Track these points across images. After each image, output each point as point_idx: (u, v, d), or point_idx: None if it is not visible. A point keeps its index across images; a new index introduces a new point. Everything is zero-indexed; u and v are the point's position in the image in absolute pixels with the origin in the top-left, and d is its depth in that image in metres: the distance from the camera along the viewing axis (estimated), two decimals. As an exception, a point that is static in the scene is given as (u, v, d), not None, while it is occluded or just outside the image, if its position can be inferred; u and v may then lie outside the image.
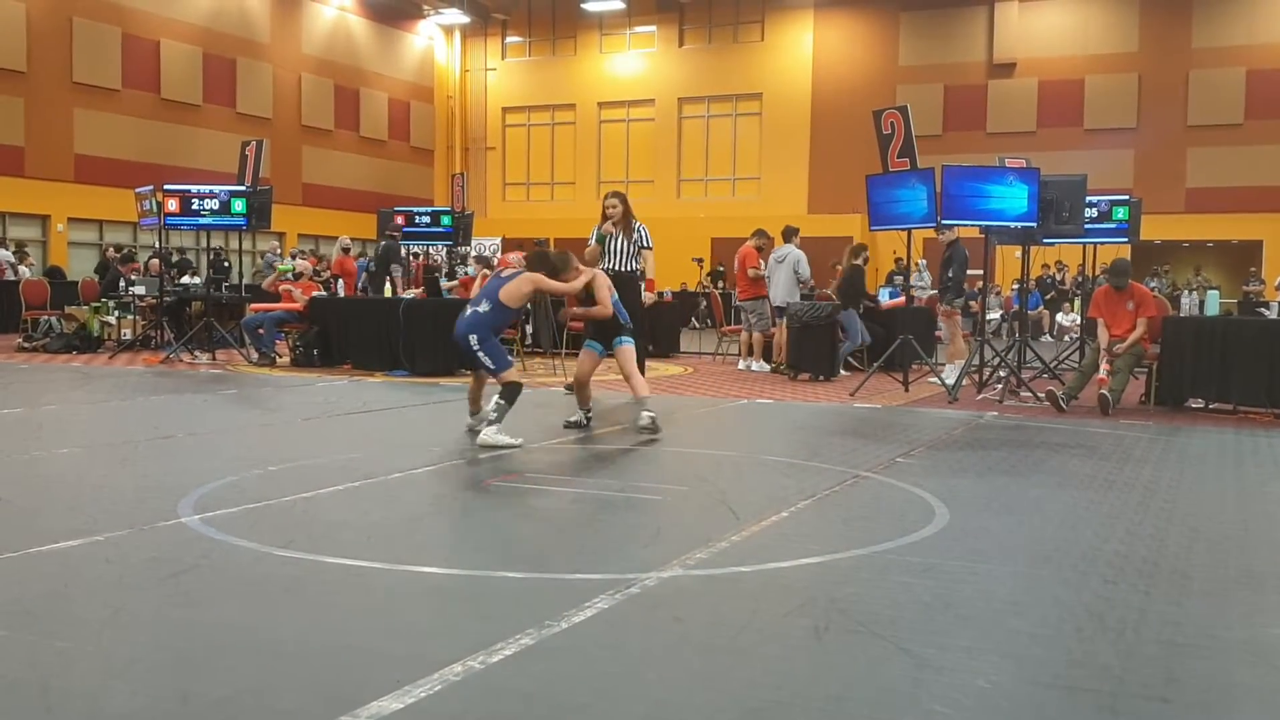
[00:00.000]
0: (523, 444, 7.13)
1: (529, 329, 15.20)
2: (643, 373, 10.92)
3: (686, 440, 8.21)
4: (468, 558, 4.53)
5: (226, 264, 22.17)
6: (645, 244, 9.97)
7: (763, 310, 14.07)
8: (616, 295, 8.10)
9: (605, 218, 9.76)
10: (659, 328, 16.93)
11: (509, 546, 4.75)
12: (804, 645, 3.36)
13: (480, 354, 7.33)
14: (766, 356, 14.05)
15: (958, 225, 11.37)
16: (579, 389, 8.25)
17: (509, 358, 7.54)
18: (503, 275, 7.76)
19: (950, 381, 11.06)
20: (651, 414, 7.82)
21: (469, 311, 7.52)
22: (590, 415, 8.26)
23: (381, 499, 5.62)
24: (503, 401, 7.24)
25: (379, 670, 3.07)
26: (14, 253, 22.74)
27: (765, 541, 4.68)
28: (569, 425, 8.14)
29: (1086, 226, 11.97)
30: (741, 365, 14.37)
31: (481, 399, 7.88)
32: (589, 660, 3.21)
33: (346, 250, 18.14)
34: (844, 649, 3.34)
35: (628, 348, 8.11)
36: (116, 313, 15.98)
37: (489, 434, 7.12)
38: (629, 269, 9.79)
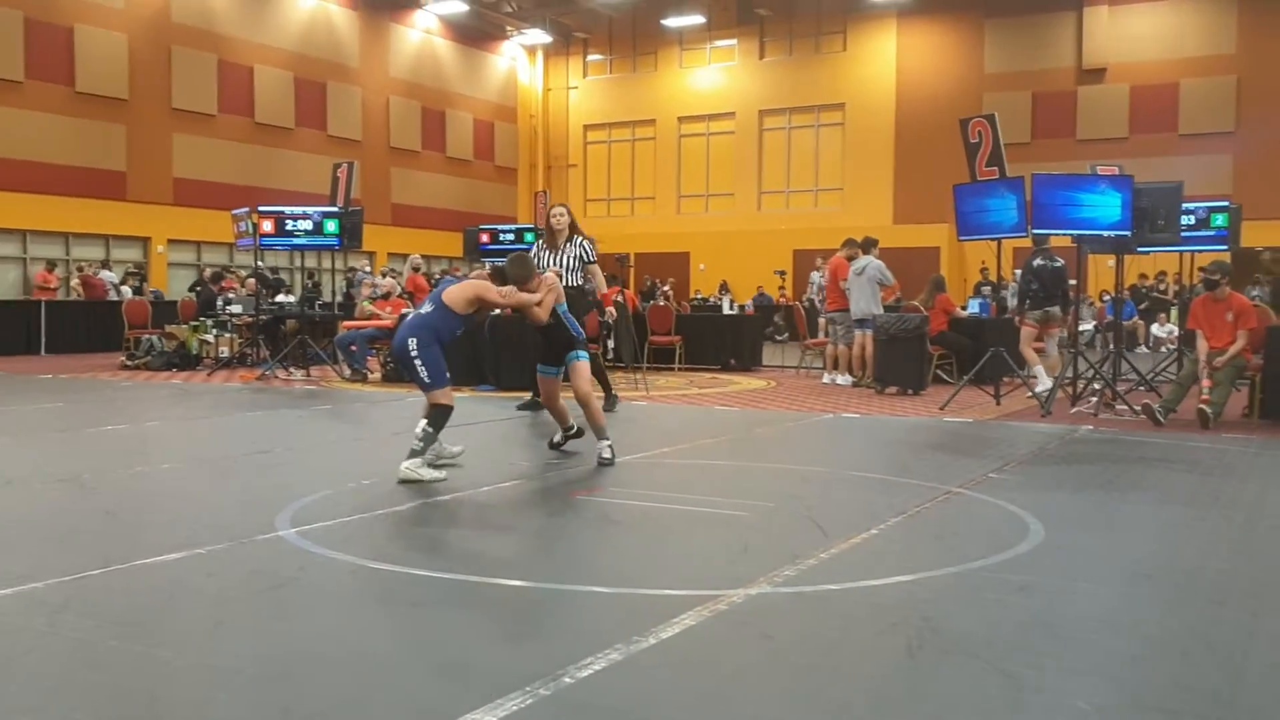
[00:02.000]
0: (446, 478, 6.37)
1: (610, 343, 15.27)
2: (606, 389, 10.70)
3: (772, 455, 8.17)
4: (555, 572, 4.55)
5: (316, 282, 22.64)
6: (589, 258, 9.67)
7: (848, 322, 13.95)
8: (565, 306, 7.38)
9: (551, 230, 9.55)
10: (740, 341, 16.91)
11: (595, 561, 4.77)
12: (897, 664, 3.32)
13: (416, 361, 6.39)
14: (850, 369, 13.94)
15: (1049, 234, 11.14)
16: (552, 410, 7.59)
17: (447, 375, 6.56)
18: (456, 276, 7.36)
19: (1040, 390, 10.88)
20: (611, 448, 7.17)
21: (411, 314, 6.91)
22: (572, 431, 7.65)
23: (470, 513, 5.69)
24: (430, 429, 6.41)
25: (471, 683, 3.10)
26: (125, 274, 23.50)
27: (855, 559, 4.63)
28: (554, 446, 7.65)
29: (1184, 234, 11.67)
30: (826, 379, 14.25)
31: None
32: (678, 677, 3.21)
33: (417, 269, 18.44)
34: (939, 669, 3.29)
35: (582, 364, 7.35)
36: (214, 331, 16.42)
37: (409, 466, 6.28)
38: (572, 284, 9.45)
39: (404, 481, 6.23)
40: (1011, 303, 16.56)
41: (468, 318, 6.73)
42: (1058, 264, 12.23)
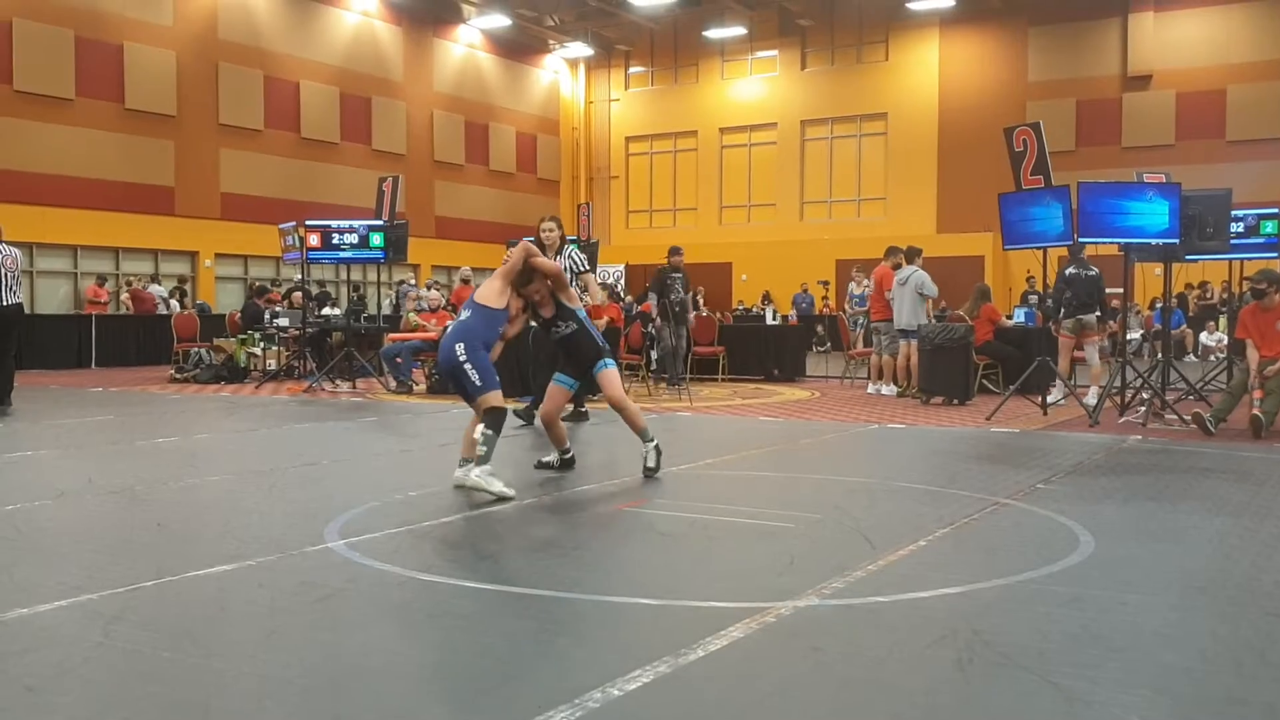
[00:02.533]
0: (515, 495, 6.21)
1: (654, 354, 15.29)
2: (577, 403, 10.34)
3: (817, 466, 8.14)
4: (602, 584, 4.56)
5: (361, 295, 22.83)
6: (581, 267, 9.56)
7: (894, 332, 13.89)
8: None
9: (542, 245, 9.30)
10: (783, 351, 16.87)
11: (642, 573, 4.77)
12: (947, 677, 3.29)
13: (466, 365, 6.27)
14: (895, 379, 13.87)
15: (1095, 243, 11.03)
16: (550, 428, 7.18)
17: (496, 378, 6.42)
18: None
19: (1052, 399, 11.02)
20: (657, 448, 7.00)
21: (450, 324, 6.80)
22: (568, 454, 7.28)
23: (516, 524, 5.71)
24: (489, 431, 6.24)
25: (519, 696, 3.11)
26: (172, 290, 23.87)
27: (903, 571, 4.60)
28: (541, 465, 7.30)
29: (1233, 242, 11.52)
30: (871, 389, 14.19)
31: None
32: (726, 689, 3.21)
33: (466, 281, 18.57)
34: (989, 681, 3.26)
35: (611, 372, 7.09)
36: (262, 344, 16.63)
37: (478, 475, 6.18)
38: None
39: (472, 489, 6.20)
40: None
41: (506, 313, 6.65)
42: (1092, 272, 12.21)
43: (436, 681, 3.30)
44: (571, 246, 9.72)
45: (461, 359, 6.29)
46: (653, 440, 7.04)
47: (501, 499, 6.11)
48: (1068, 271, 12.41)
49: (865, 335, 16.47)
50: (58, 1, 22.93)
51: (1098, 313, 12.36)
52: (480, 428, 6.27)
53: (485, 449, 6.19)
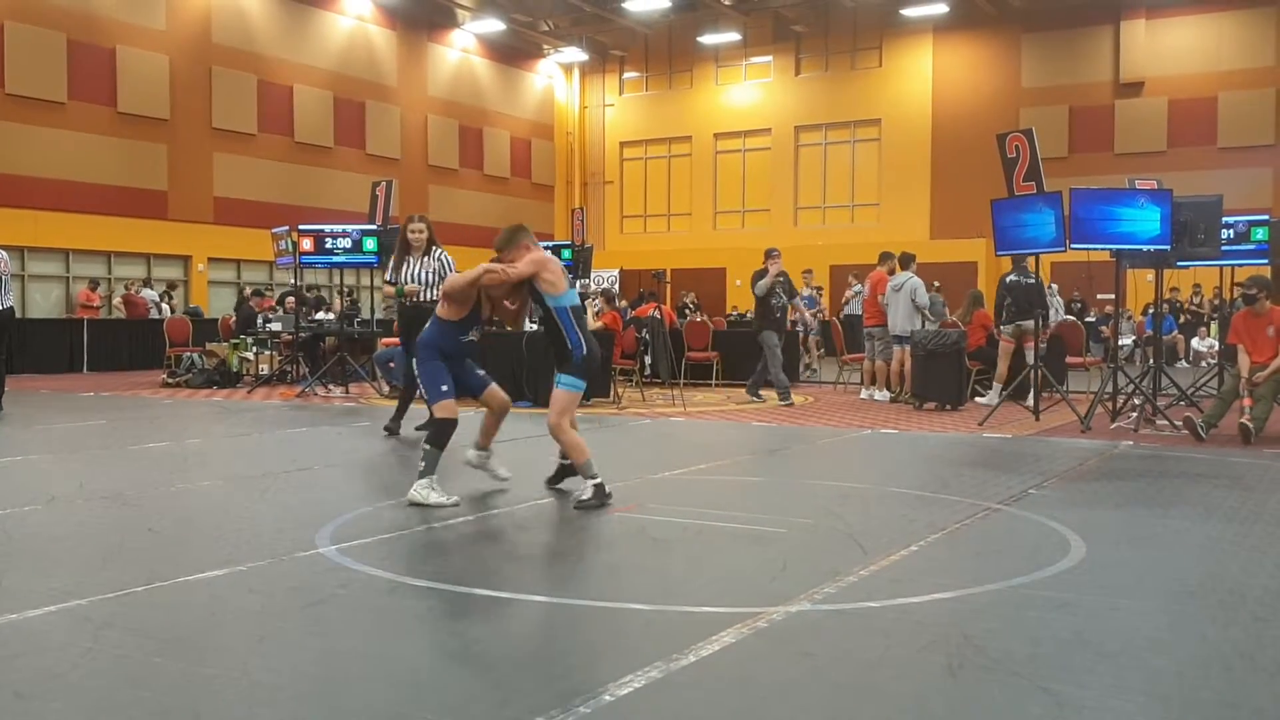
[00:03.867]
0: (458, 503, 6.12)
1: (648, 359, 15.29)
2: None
3: (810, 471, 8.14)
4: (595, 589, 4.56)
5: (355, 300, 22.81)
6: (448, 273, 9.12)
7: (888, 338, 13.92)
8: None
9: (409, 245, 9.20)
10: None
11: (634, 578, 4.77)
12: (938, 683, 3.30)
13: (419, 378, 6.36)
14: (888, 384, 13.89)
15: (1087, 249, 11.07)
16: (555, 438, 6.39)
17: (444, 388, 6.28)
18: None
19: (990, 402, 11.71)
20: (598, 487, 6.12)
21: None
22: (567, 462, 6.63)
23: (509, 530, 5.71)
24: (428, 445, 6.20)
25: (512, 700, 3.11)
26: (161, 294, 23.83)
27: (895, 576, 4.61)
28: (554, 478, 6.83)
29: (1224, 248, 11.56)
30: (864, 394, 14.20)
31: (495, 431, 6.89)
32: (717, 695, 3.21)
33: None
34: (980, 687, 3.26)
35: (560, 393, 6.21)
36: (255, 349, 16.59)
37: (416, 489, 6.09)
38: (433, 299, 8.82)
39: (413, 504, 6.09)
40: (1053, 317, 16.51)
41: (470, 320, 6.42)
42: (1031, 280, 12.54)
43: (428, 687, 3.30)
44: (439, 249, 9.37)
45: (416, 372, 6.45)
46: (595, 477, 6.13)
47: (441, 506, 6.01)
48: (1008, 279, 12.91)
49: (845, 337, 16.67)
50: (50, 4, 22.88)
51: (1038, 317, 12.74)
52: (423, 441, 6.32)
53: (423, 463, 6.17)
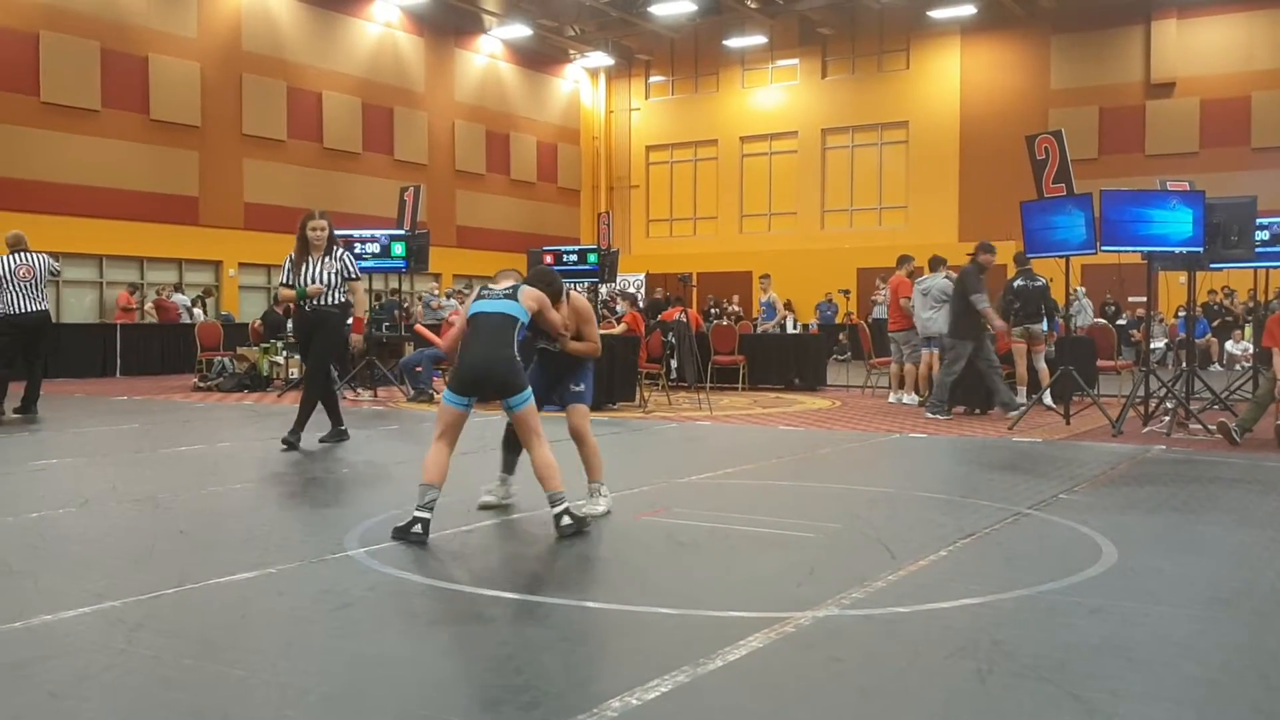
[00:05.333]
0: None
1: (673, 363, 15.27)
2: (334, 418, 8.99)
3: (837, 476, 8.11)
4: (621, 593, 4.56)
5: (383, 304, 22.92)
6: (351, 274, 8.90)
7: (916, 341, 13.85)
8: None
9: (309, 244, 8.71)
10: (804, 360, 16.82)
11: (661, 582, 4.76)
12: (967, 689, 3.28)
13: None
14: (915, 388, 13.82)
15: (1119, 251, 10.99)
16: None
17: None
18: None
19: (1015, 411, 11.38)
20: (565, 514, 5.51)
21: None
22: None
23: (536, 533, 5.71)
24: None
25: (539, 704, 3.12)
26: (195, 298, 24.03)
27: (923, 581, 4.58)
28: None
29: (1258, 250, 11.44)
30: (892, 398, 14.13)
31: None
32: (745, 700, 3.20)
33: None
34: (1009, 693, 3.24)
35: (529, 409, 5.76)
36: (284, 353, 16.71)
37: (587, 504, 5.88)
38: (333, 301, 8.76)
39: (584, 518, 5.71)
40: (1077, 320, 16.42)
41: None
42: (1039, 283, 12.56)
43: (456, 690, 3.31)
44: (340, 249, 8.99)
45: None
46: (562, 505, 5.53)
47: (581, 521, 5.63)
48: (1015, 283, 12.86)
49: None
50: (84, 14, 23.14)
51: (1044, 322, 12.85)
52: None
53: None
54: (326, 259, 8.83)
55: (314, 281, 8.77)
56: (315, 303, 8.81)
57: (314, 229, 8.77)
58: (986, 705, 3.16)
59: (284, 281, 8.97)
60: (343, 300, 8.97)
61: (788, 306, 29.44)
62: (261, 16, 26.82)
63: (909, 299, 13.76)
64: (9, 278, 11.20)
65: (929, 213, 31.94)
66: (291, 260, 8.90)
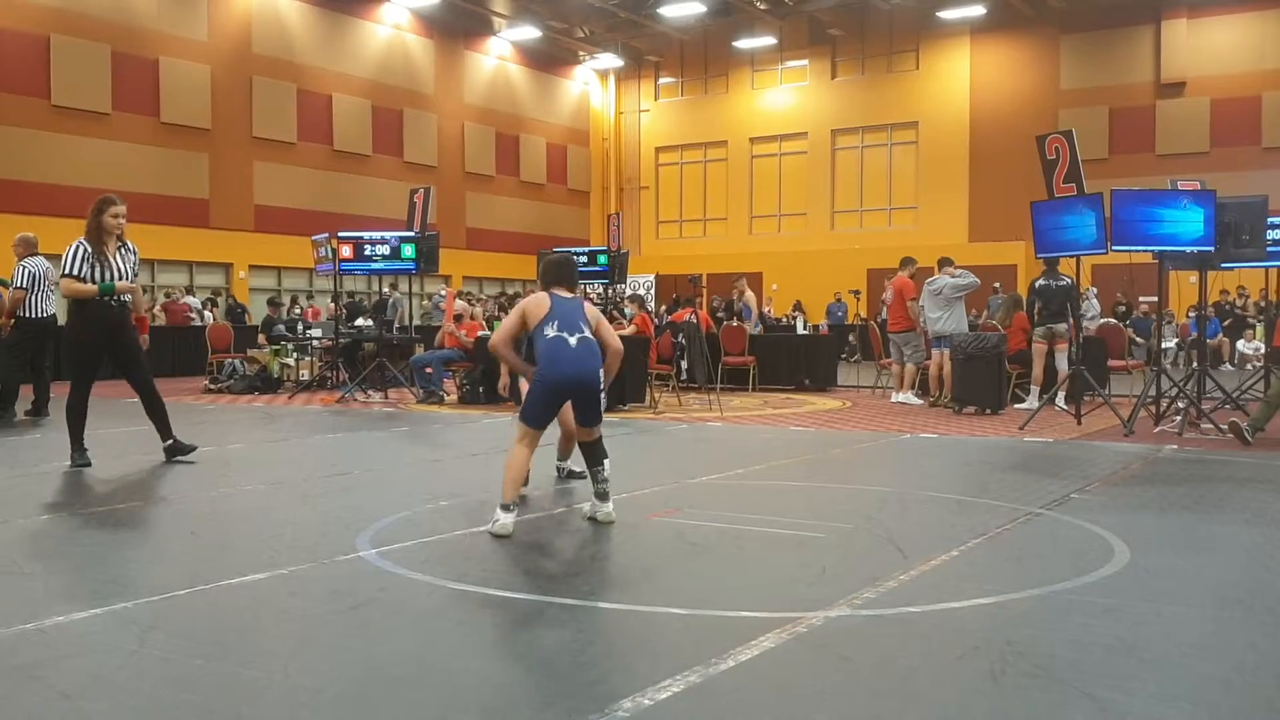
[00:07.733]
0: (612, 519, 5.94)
1: (684, 364, 15.27)
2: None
3: (848, 476, 8.10)
4: (633, 593, 4.55)
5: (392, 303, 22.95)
6: (138, 265, 8.20)
7: (917, 342, 13.84)
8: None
9: (107, 233, 7.81)
10: (814, 361, 16.81)
11: (673, 583, 4.75)
12: (980, 689, 3.27)
13: (603, 394, 5.97)
14: (914, 387, 13.85)
15: (1130, 250, 10.96)
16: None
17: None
18: (564, 297, 5.89)
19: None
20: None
21: (577, 342, 5.70)
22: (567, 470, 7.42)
23: (547, 534, 5.71)
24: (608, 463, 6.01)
25: (551, 704, 3.11)
26: (205, 300, 24.09)
27: (935, 581, 4.57)
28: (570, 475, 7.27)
29: (1270, 249, 11.40)
30: (895, 398, 14.11)
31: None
32: (757, 700, 3.19)
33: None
34: (1023, 693, 3.23)
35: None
36: (295, 355, 16.75)
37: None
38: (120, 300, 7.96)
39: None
40: (1087, 321, 16.39)
41: None
42: (1063, 282, 12.56)
43: (467, 690, 3.31)
44: (130, 242, 8.13)
45: (602, 388, 5.91)
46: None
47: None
48: (1038, 283, 12.94)
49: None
50: (94, 17, 23.23)
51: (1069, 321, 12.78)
52: (606, 462, 5.95)
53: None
54: (123, 250, 8.00)
55: (119, 277, 7.88)
56: (119, 299, 7.93)
57: (115, 215, 7.88)
58: (999, 705, 3.15)
59: (76, 274, 7.70)
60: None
61: (797, 308, 29.49)
62: (272, 19, 26.90)
63: (916, 300, 13.75)
64: (42, 281, 11.36)
65: (939, 213, 31.90)
66: (86, 250, 7.76)
